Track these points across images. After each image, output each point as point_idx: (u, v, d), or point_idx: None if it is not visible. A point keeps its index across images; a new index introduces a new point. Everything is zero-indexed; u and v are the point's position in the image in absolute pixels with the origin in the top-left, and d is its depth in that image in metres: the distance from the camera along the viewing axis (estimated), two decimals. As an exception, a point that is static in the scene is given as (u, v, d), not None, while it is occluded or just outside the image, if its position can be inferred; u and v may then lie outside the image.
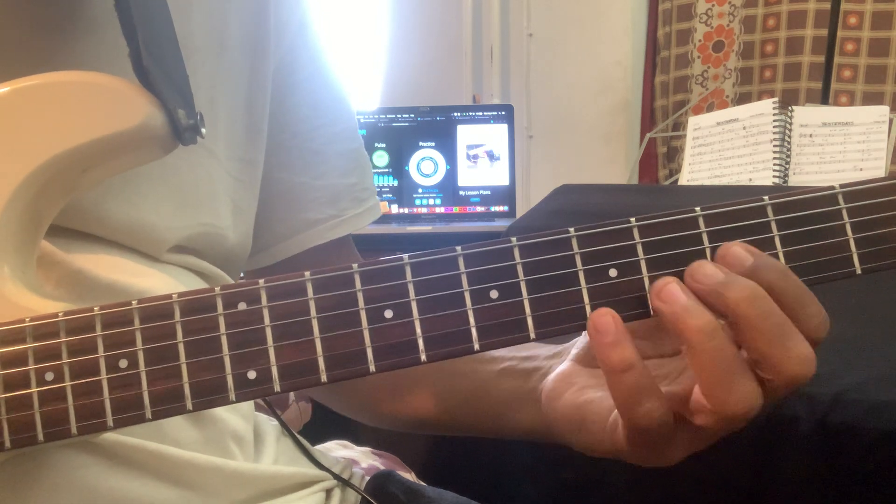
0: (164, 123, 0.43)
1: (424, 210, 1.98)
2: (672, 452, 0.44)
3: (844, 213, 0.41)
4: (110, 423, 0.39)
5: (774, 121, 1.44)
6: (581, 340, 0.53)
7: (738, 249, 0.40)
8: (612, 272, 0.41)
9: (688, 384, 0.43)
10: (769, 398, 0.40)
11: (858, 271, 0.41)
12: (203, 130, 0.45)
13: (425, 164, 2.00)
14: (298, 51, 0.63)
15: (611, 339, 0.39)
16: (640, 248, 0.41)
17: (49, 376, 0.39)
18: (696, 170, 1.53)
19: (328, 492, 0.60)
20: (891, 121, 1.39)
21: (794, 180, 1.43)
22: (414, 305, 0.40)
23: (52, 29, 0.49)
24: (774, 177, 1.42)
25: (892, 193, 0.41)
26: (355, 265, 0.40)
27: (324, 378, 0.40)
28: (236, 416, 0.55)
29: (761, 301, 0.38)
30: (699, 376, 0.39)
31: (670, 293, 0.39)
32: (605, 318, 0.39)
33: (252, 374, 0.40)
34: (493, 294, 0.40)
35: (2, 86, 0.42)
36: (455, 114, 2.02)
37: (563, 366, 0.53)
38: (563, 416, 0.50)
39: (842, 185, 0.41)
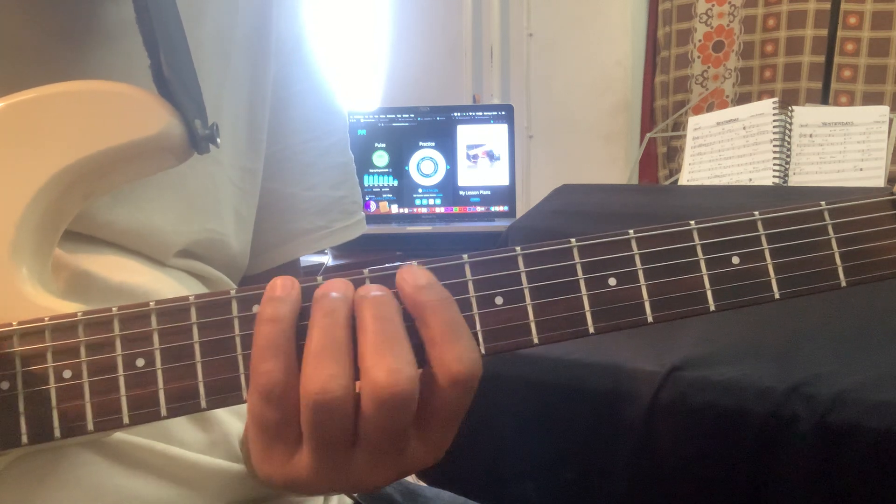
0: (182, 133, 0.44)
1: (424, 210, 1.98)
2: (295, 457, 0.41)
3: (830, 228, 0.43)
4: (126, 420, 0.40)
5: (774, 121, 1.44)
6: None
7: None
8: (612, 281, 0.42)
9: None
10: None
11: (843, 284, 0.43)
12: (218, 140, 0.46)
13: (425, 164, 2.00)
14: (294, 65, 0.64)
15: (277, 294, 0.40)
16: (637, 259, 0.42)
17: (67, 374, 0.40)
18: (696, 170, 1.53)
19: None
20: (891, 121, 1.39)
21: (794, 180, 1.43)
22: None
23: (68, 38, 0.49)
24: (774, 177, 1.42)
25: (875, 210, 0.43)
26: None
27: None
28: (241, 421, 0.56)
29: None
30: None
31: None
32: (284, 280, 0.40)
33: (265, 374, 0.40)
34: (499, 301, 0.42)
35: (27, 92, 0.43)
36: (455, 114, 2.02)
37: None
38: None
39: (828, 202, 0.43)
